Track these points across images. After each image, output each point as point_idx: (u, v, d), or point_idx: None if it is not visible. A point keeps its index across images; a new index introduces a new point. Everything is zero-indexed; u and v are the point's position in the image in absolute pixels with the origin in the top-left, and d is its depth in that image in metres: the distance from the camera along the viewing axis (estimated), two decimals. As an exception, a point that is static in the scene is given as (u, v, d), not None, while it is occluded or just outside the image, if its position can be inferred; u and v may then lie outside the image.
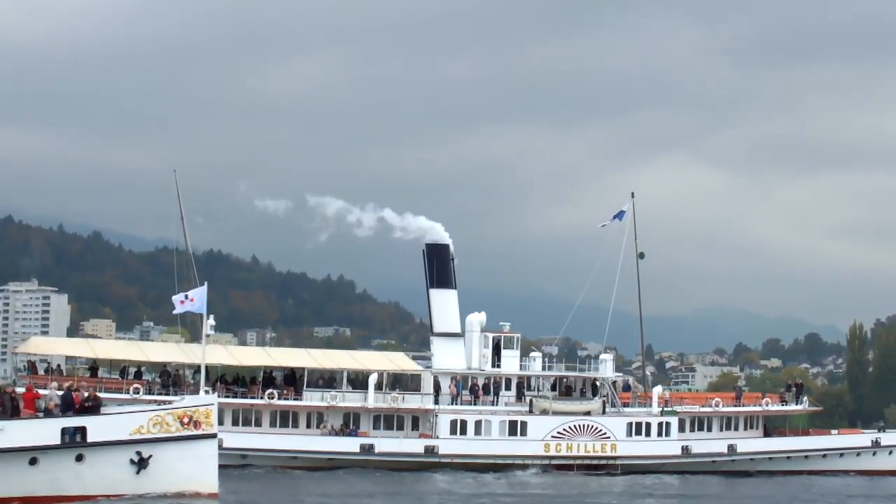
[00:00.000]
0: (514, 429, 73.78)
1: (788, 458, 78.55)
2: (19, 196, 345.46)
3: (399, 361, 76.51)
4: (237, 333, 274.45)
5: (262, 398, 71.00)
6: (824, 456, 79.42)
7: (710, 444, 77.09)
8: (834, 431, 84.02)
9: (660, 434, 75.80)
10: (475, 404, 75.42)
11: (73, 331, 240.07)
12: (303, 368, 73.28)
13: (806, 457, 79.01)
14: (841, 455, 79.68)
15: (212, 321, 45.51)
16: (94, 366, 71.53)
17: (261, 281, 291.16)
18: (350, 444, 71.54)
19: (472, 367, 77.04)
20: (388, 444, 71.90)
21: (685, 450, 75.83)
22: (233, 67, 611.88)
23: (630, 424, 75.38)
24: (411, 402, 73.88)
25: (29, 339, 68.18)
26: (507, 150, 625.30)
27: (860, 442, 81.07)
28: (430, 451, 72.09)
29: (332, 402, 72.32)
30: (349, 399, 73.01)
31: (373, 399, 72.87)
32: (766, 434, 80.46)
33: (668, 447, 75.70)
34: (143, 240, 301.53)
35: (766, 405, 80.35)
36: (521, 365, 77.98)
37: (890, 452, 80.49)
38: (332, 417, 72.50)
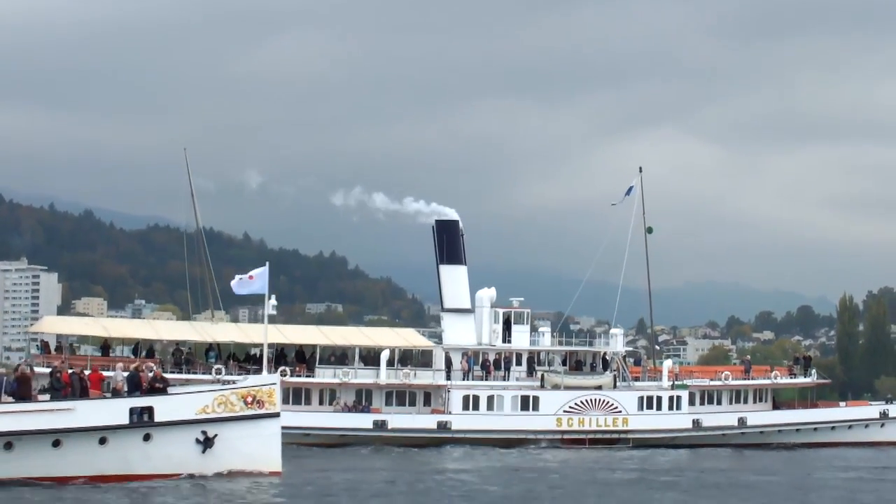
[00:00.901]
0: (527, 404, 73.91)
1: (798, 430, 78.80)
2: (10, 175, 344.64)
3: (410, 338, 76.51)
4: (229, 310, 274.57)
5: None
6: (833, 428, 79.72)
7: (721, 417, 77.34)
8: (842, 404, 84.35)
9: (671, 408, 76.03)
10: (486, 379, 75.51)
11: (65, 309, 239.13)
12: (315, 345, 73.27)
13: (815, 429, 79.27)
14: (850, 427, 79.95)
15: (273, 301, 45.55)
16: (105, 344, 71.41)
17: (253, 258, 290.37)
18: (363, 421, 71.61)
19: (482, 342, 77.05)
20: (401, 420, 71.96)
21: (696, 423, 76.09)
22: (224, 46, 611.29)
23: (641, 398, 75.59)
24: (423, 378, 73.94)
25: (42, 318, 67.98)
26: (496, 127, 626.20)
27: (869, 414, 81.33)
28: (442, 426, 72.17)
29: (345, 378, 72.35)
30: (361, 376, 73.03)
31: (385, 375, 72.90)
32: (775, 407, 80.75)
33: (680, 420, 75.94)
34: (134, 217, 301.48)
35: (775, 378, 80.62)
36: (530, 340, 78.07)
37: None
38: (344, 394, 72.52)
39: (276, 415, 42.79)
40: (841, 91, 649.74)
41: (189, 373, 68.75)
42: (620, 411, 74.80)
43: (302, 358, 73.17)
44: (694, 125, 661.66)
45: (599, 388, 75.39)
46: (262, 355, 48.47)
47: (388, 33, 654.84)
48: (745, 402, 79.59)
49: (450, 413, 72.72)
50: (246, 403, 41.83)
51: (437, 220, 79.10)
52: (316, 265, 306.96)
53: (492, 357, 76.62)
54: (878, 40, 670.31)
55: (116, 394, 43.14)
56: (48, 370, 45.86)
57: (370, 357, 74.49)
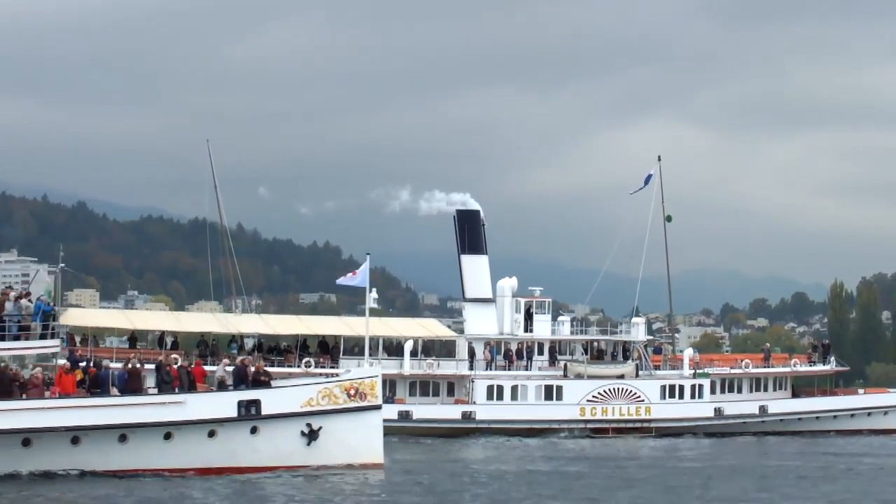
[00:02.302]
0: (550, 393, 73.96)
1: (817, 418, 78.97)
2: (2, 166, 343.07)
3: (433, 328, 76.61)
4: (223, 301, 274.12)
5: (298, 366, 70.78)
6: (852, 416, 79.87)
7: (742, 405, 77.48)
8: (860, 391, 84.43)
9: (693, 396, 76.13)
10: (509, 369, 75.55)
11: (57, 301, 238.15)
12: (338, 336, 73.21)
13: (834, 416, 79.43)
14: (869, 414, 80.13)
15: (374, 294, 46.55)
16: (132, 336, 71.29)
17: (246, 248, 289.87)
18: (388, 411, 71.11)
19: (504, 332, 77.10)
20: (426, 410, 71.94)
21: (717, 411, 76.21)
22: (215, 35, 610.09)
23: (664, 387, 75.67)
24: (446, 368, 73.94)
25: (67, 310, 67.96)
26: (490, 113, 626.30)
27: (888, 401, 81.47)
28: (467, 416, 72.17)
29: (369, 369, 72.16)
30: (385, 366, 72.74)
31: (409, 366, 72.89)
32: (794, 394, 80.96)
33: (702, 409, 76.04)
34: (128, 209, 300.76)
35: (795, 366, 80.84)
36: (552, 329, 78.15)
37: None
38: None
39: (378, 407, 43.58)
40: (834, 76, 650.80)
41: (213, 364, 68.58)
42: (643, 400, 74.88)
43: (326, 348, 73.08)
44: (688, 111, 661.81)
45: (622, 377, 75.49)
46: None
47: (376, 21, 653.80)
48: (766, 390, 79.77)
49: (474, 403, 72.72)
50: (349, 396, 42.41)
51: (458, 210, 79.06)
52: (310, 255, 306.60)
53: (514, 347, 76.67)
54: (872, 25, 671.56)
55: (223, 387, 43.42)
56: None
57: (393, 348, 74.49)
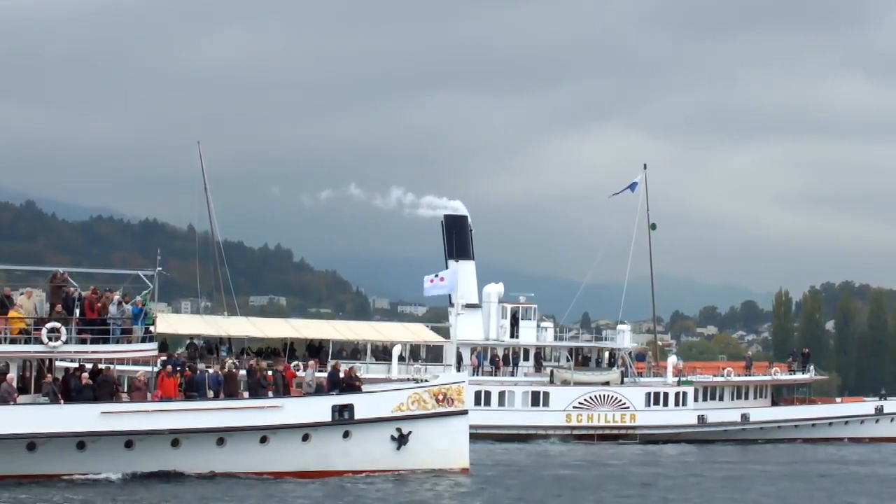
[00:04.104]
0: (537, 399, 74.23)
1: (796, 426, 79.77)
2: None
3: (421, 333, 76.48)
4: (171, 303, 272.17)
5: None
6: (830, 424, 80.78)
7: (724, 413, 78.11)
8: (838, 399, 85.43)
9: (677, 404, 76.67)
10: (495, 375, 75.74)
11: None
12: (327, 340, 73.10)
13: (813, 425, 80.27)
14: (846, 423, 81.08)
15: (462, 301, 46.76)
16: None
17: (198, 250, 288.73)
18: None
19: (489, 337, 77.30)
20: (415, 414, 71.81)
21: (701, 419, 76.76)
22: (170, 37, 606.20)
23: (649, 394, 76.18)
24: (434, 373, 73.69)
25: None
26: (444, 119, 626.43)
27: (864, 410, 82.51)
28: (454, 421, 72.05)
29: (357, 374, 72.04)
30: (373, 371, 72.78)
31: (396, 370, 72.74)
32: (773, 403, 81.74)
33: (685, 416, 76.59)
34: (79, 209, 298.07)
35: (775, 374, 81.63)
36: (537, 336, 78.43)
37: (892, 420, 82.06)
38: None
39: (465, 412, 44.36)
40: (786, 87, 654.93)
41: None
42: (628, 407, 75.31)
43: (314, 352, 72.86)
44: (642, 120, 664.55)
45: (607, 383, 75.88)
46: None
47: (331, 25, 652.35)
48: (746, 398, 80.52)
49: (462, 408, 72.64)
50: (437, 401, 42.69)
51: (445, 216, 79.22)
52: (261, 257, 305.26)
53: (500, 352, 76.85)
54: (824, 37, 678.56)
55: (320, 391, 43.81)
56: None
57: (379, 352, 74.44)
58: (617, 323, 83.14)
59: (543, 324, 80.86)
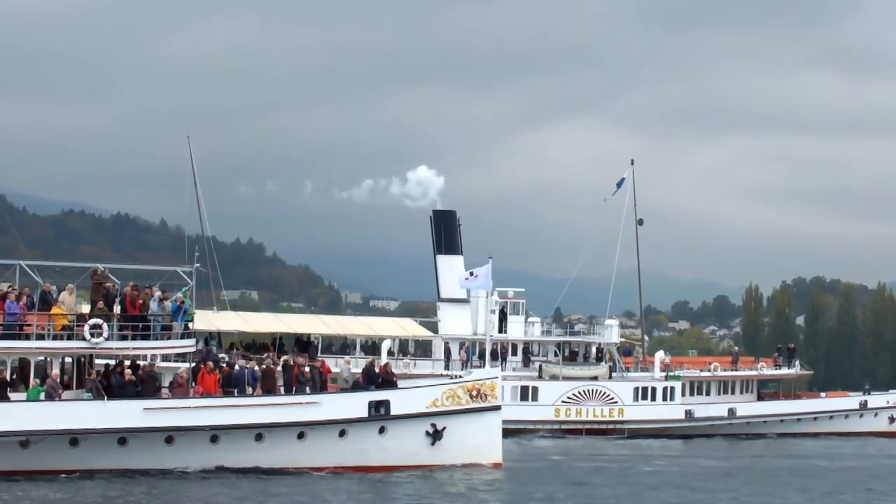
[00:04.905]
0: (526, 394, 74.26)
1: (782, 420, 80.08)
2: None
3: (409, 327, 76.41)
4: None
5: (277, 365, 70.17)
6: (815, 419, 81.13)
7: (711, 407, 78.33)
8: (822, 395, 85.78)
9: (664, 398, 76.82)
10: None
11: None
12: (316, 335, 72.99)
13: (798, 419, 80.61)
14: (831, 417, 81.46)
15: (496, 297, 46.71)
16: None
17: (169, 244, 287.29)
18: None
19: (477, 332, 77.20)
20: (404, 409, 71.72)
21: (688, 414, 76.97)
22: (142, 30, 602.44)
23: (637, 389, 76.32)
24: (423, 367, 73.77)
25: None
26: (418, 113, 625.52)
27: (849, 404, 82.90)
28: (444, 416, 72.03)
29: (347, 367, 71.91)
30: (363, 365, 72.55)
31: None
32: (759, 397, 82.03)
33: (673, 411, 76.79)
34: (51, 203, 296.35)
35: (762, 369, 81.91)
36: (525, 330, 78.44)
37: (875, 414, 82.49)
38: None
39: (498, 408, 44.45)
40: (757, 82, 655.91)
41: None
42: (616, 402, 75.44)
43: (303, 347, 72.69)
44: (614, 114, 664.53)
45: (595, 378, 75.99)
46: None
47: (307, 19, 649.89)
48: (733, 392, 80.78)
49: (451, 403, 72.60)
50: (471, 397, 42.81)
51: (434, 211, 79.17)
52: (233, 252, 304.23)
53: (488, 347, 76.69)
54: (794, 32, 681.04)
55: (357, 387, 44.00)
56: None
57: (369, 346, 74.31)
58: (589, 318, 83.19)
59: (531, 319, 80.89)
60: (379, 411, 42.39)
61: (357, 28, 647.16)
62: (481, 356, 76.16)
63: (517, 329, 77.64)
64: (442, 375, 53.71)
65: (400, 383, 45.45)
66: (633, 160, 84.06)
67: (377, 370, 44.89)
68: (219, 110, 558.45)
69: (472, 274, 46.30)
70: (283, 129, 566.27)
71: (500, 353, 76.74)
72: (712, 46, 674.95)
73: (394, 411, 42.57)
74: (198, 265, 42.30)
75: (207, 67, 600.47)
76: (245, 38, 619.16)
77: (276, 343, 71.90)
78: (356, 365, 53.71)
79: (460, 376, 47.64)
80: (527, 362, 77.01)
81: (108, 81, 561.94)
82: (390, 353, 72.80)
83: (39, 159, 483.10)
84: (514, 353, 77.45)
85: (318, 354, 72.04)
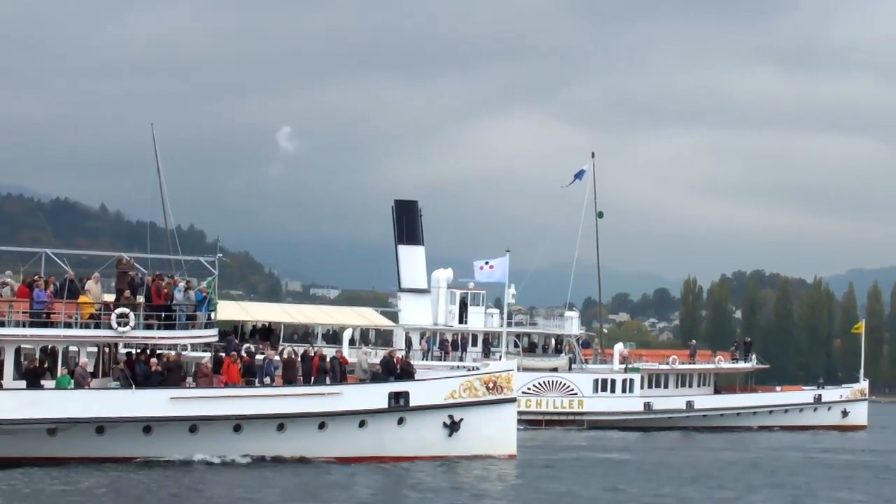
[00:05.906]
0: (487, 385, 74.04)
1: (738, 414, 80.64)
2: None
3: (371, 317, 76.25)
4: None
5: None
6: (770, 412, 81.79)
7: (669, 400, 78.72)
8: (778, 388, 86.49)
9: (624, 390, 77.12)
10: (444, 360, 75.57)
11: None
12: (278, 323, 72.58)
13: (754, 413, 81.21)
14: (786, 411, 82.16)
15: (513, 290, 46.73)
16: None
17: (109, 230, 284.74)
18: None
19: (438, 322, 77.16)
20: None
21: (647, 406, 77.28)
22: (87, 16, 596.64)
23: (596, 381, 76.55)
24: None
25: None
26: (361, 103, 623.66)
27: (803, 398, 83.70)
28: (405, 406, 71.91)
29: (308, 357, 71.62)
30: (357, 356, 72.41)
31: (347, 354, 72.13)
32: (716, 391, 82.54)
33: (632, 403, 77.09)
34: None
35: (719, 362, 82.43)
36: (485, 321, 78.47)
37: (829, 408, 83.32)
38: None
39: (513, 400, 45.12)
40: (699, 76, 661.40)
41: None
42: (576, 393, 75.63)
43: (265, 335, 72.28)
44: (556, 107, 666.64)
45: (555, 370, 76.14)
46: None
47: (255, 6, 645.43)
48: (690, 385, 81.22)
49: (412, 393, 72.44)
50: (488, 389, 42.98)
51: (396, 201, 78.81)
52: (173, 238, 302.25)
53: (449, 337, 76.77)
54: (735, 26, 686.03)
55: (376, 378, 44.06)
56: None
57: (330, 336, 74.06)
58: (529, 309, 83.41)
59: (490, 310, 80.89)
60: (399, 402, 42.59)
61: (302, 17, 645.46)
62: (442, 346, 76.25)
63: (477, 320, 77.60)
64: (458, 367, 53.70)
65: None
66: (593, 153, 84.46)
67: (395, 361, 44.99)
68: (162, 96, 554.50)
69: (487, 264, 46.29)
70: (225, 115, 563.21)
71: (460, 344, 76.76)
72: (651, 40, 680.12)
73: (413, 402, 42.79)
74: (220, 255, 41.94)
75: (148, 53, 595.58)
76: (187, 24, 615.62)
77: (237, 332, 71.38)
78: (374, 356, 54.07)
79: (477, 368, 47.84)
80: (487, 353, 76.92)
81: (46, 67, 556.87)
82: (352, 342, 72.62)
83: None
84: (475, 344, 77.37)
85: (280, 343, 71.79)
